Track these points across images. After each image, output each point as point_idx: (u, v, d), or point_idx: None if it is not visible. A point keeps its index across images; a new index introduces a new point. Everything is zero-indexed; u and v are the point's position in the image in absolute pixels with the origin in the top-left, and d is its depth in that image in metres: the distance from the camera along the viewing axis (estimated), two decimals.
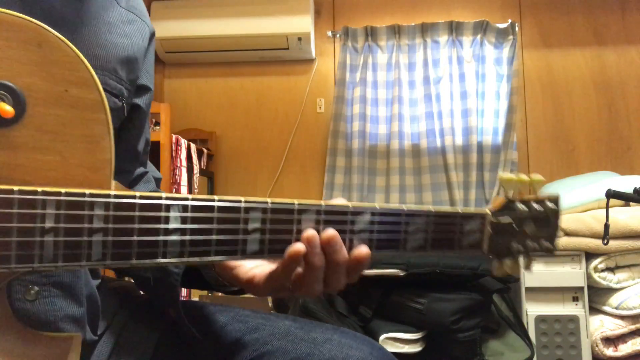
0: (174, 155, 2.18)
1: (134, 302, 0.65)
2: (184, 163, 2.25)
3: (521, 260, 0.57)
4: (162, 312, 0.63)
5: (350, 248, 0.46)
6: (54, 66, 0.39)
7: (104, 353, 0.55)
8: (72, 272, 0.49)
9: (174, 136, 2.20)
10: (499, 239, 0.53)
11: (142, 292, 0.67)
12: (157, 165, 2.06)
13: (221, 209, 0.42)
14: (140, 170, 0.71)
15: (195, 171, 2.37)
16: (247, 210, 0.42)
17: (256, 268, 0.52)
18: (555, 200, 0.57)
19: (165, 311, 0.63)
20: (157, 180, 0.75)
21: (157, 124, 2.11)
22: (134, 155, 0.69)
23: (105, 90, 0.55)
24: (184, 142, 2.26)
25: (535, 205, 0.55)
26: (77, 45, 0.40)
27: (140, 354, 0.57)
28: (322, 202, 0.45)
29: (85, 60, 0.40)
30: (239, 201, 0.42)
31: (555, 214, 0.57)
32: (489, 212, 0.53)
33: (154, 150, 2.04)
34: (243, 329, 0.59)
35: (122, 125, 0.64)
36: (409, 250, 0.49)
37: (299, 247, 0.43)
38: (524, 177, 0.55)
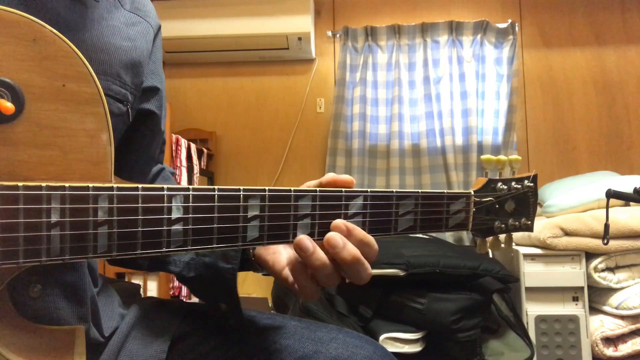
0: (174, 155, 2.18)
1: (140, 302, 0.65)
2: (184, 163, 2.25)
3: (502, 237, 0.60)
4: (173, 312, 0.63)
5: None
6: (50, 61, 0.39)
7: (113, 353, 0.55)
8: (77, 273, 0.50)
9: (174, 136, 2.20)
10: (482, 218, 0.57)
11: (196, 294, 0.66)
12: None
13: (221, 198, 0.43)
14: (157, 167, 0.72)
15: (195, 171, 2.37)
16: (246, 198, 0.44)
17: (285, 269, 0.52)
18: (533, 178, 0.60)
19: (177, 309, 0.63)
20: (172, 175, 0.76)
21: None
22: (150, 157, 0.69)
23: (108, 95, 0.55)
24: (184, 142, 2.26)
25: (514, 184, 0.59)
26: (80, 49, 0.40)
27: (154, 354, 0.57)
28: (317, 188, 0.48)
29: (80, 54, 0.40)
30: (238, 190, 0.44)
31: (533, 192, 0.60)
32: (472, 192, 0.56)
33: None
34: (250, 329, 0.60)
35: (136, 129, 0.64)
36: (400, 231, 0.51)
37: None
38: (502, 157, 0.59)
